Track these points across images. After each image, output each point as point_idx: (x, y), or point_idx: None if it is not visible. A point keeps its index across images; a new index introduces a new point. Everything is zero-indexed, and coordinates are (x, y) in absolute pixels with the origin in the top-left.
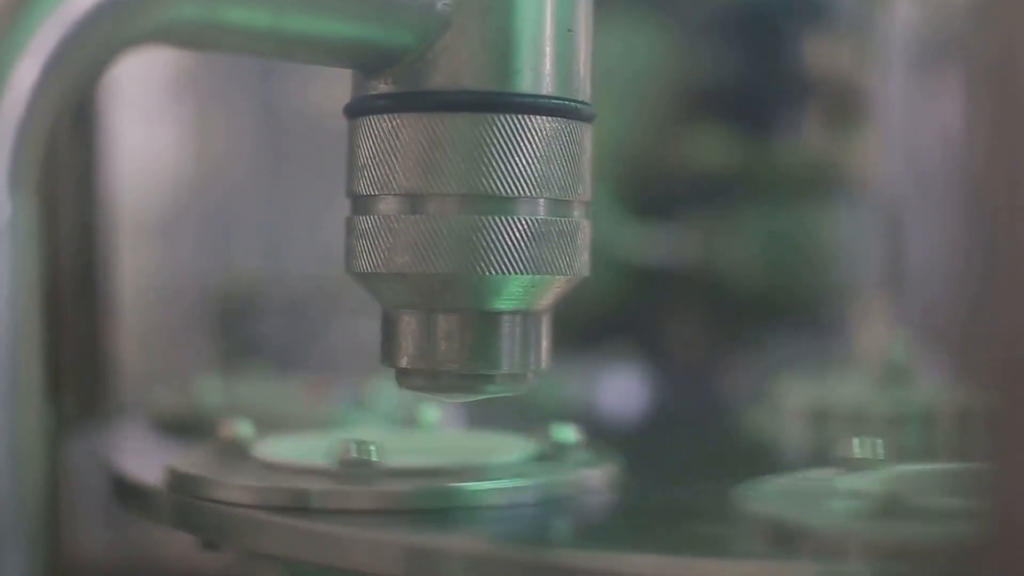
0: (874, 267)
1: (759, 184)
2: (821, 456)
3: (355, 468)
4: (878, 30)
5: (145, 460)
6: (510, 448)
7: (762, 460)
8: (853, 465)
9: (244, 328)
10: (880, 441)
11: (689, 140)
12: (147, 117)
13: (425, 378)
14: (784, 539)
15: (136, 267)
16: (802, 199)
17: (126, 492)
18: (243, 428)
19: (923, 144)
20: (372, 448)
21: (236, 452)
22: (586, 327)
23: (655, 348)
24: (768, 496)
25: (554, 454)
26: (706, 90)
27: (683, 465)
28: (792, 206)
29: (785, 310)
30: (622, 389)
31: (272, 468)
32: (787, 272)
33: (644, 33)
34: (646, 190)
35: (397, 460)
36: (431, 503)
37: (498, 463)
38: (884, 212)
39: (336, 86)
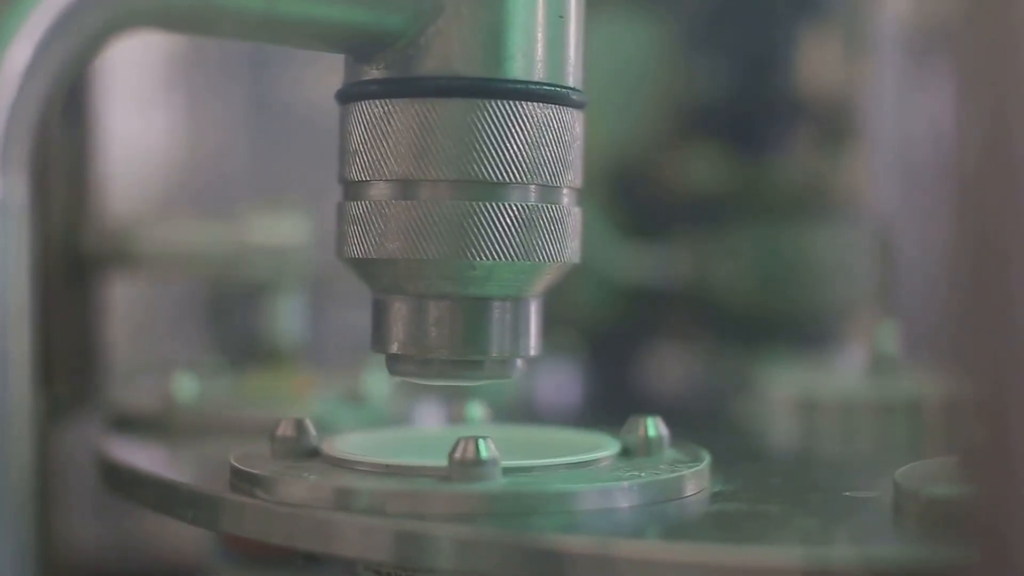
0: (866, 285)
1: (751, 203)
2: None
3: (468, 468)
4: (869, 37)
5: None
6: (600, 445)
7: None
8: None
9: (235, 318)
10: None
11: (681, 159)
12: (139, 105)
13: (415, 364)
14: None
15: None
16: (794, 218)
17: (129, 483)
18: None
19: (914, 156)
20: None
21: (305, 451)
22: (578, 345)
23: (648, 366)
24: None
25: (643, 449)
26: (698, 110)
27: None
28: (784, 225)
29: (777, 328)
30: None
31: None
32: (779, 291)
33: (636, 53)
34: (638, 209)
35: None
36: (547, 506)
37: (595, 464)
38: (875, 230)
39: (329, 75)
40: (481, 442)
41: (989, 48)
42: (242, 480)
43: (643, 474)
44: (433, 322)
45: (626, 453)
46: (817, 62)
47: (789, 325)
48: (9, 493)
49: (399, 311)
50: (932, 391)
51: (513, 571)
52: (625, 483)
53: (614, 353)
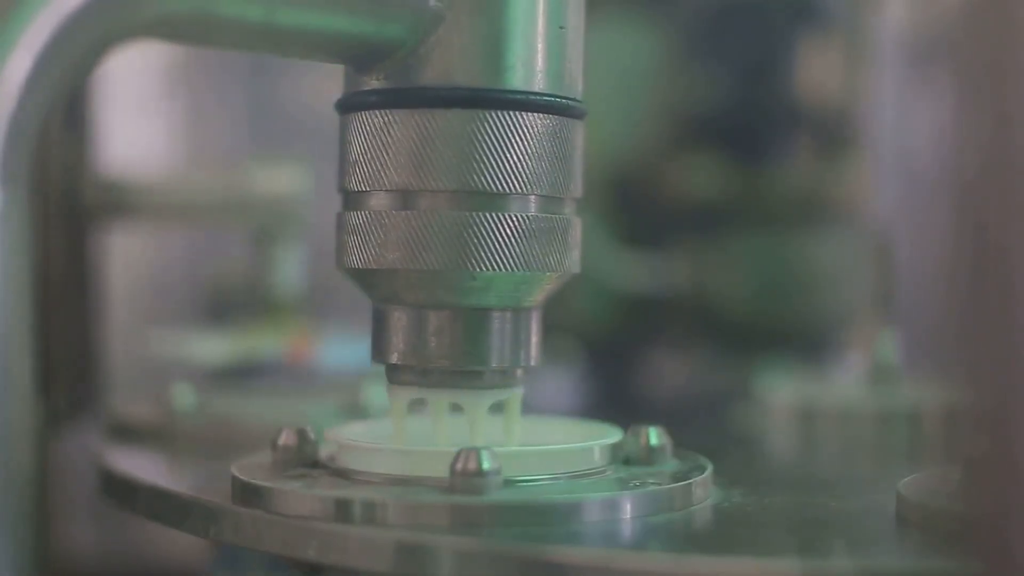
0: (865, 293)
1: (749, 211)
2: None
3: (470, 480)
4: (869, 44)
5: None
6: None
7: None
8: None
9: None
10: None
11: (680, 168)
12: (138, 111)
13: (415, 374)
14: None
15: (127, 262)
16: (792, 226)
17: (126, 491)
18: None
19: (914, 164)
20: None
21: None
22: (576, 352)
23: (645, 375)
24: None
25: (646, 458)
26: (697, 118)
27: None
28: (782, 233)
29: (776, 338)
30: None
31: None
32: (778, 299)
33: (635, 62)
34: (637, 218)
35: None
36: (550, 518)
37: (599, 474)
38: (875, 238)
39: (327, 81)
40: (483, 453)
41: (990, 55)
42: (244, 492)
43: (646, 484)
44: (433, 332)
45: (628, 461)
46: (816, 70)
47: (788, 335)
48: (10, 500)
49: (399, 321)
50: (932, 400)
51: None
52: (627, 494)
53: (612, 361)
